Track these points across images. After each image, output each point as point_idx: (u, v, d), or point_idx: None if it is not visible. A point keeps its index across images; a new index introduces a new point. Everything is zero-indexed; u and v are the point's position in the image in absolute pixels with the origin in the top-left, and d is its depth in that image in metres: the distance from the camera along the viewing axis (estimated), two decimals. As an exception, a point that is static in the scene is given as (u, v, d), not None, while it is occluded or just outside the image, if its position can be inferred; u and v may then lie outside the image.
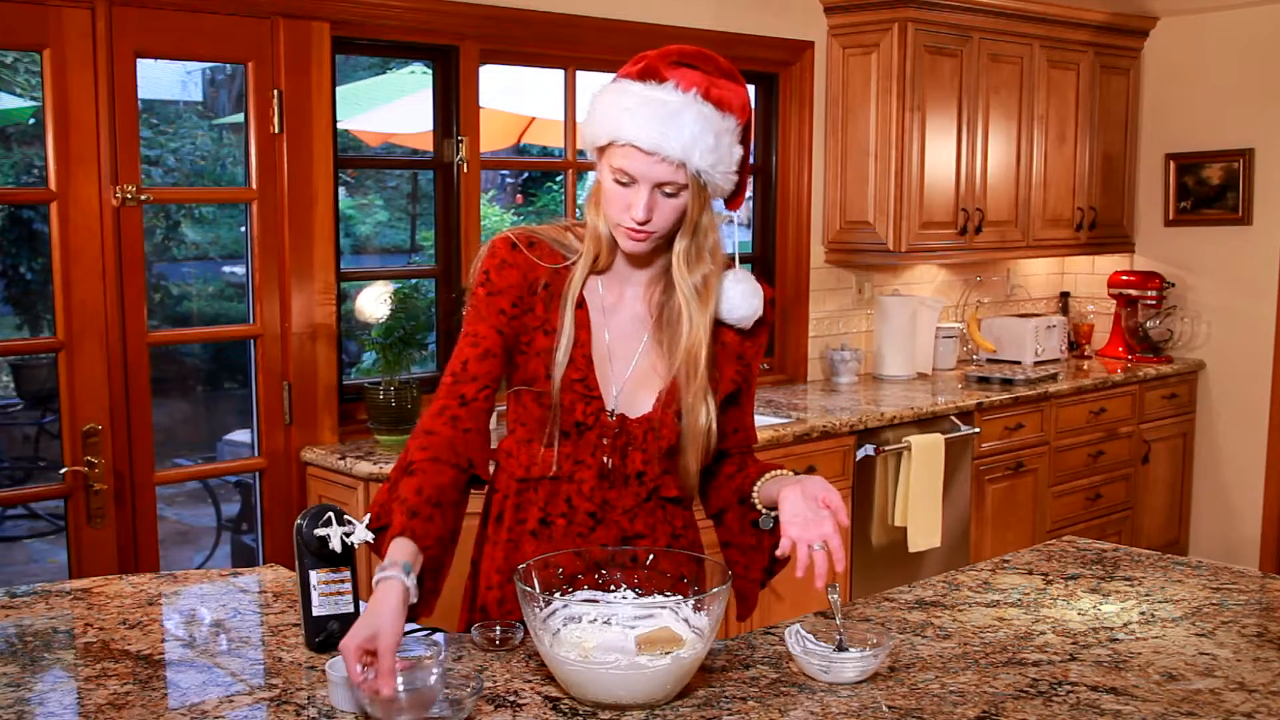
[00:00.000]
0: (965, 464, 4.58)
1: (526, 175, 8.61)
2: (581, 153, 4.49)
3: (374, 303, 3.67)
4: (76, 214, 3.15)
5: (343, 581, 1.87)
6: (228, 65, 5.73)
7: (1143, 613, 2.08)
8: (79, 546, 3.23)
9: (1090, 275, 5.97)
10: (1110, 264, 5.83)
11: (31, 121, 5.81)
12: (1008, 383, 4.90)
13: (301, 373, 3.57)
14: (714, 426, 1.90)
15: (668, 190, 1.77)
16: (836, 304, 5.06)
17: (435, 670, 1.62)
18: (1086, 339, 5.82)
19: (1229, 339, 5.58)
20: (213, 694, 1.71)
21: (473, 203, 3.97)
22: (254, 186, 3.48)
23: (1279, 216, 5.41)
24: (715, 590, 1.68)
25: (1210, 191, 5.58)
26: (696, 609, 1.72)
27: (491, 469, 1.97)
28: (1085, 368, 5.48)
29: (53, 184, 3.13)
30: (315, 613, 1.85)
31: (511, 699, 1.68)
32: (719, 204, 1.87)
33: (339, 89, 3.66)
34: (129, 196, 3.22)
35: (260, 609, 2.11)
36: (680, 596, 1.78)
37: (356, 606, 1.86)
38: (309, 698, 1.69)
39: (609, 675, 1.61)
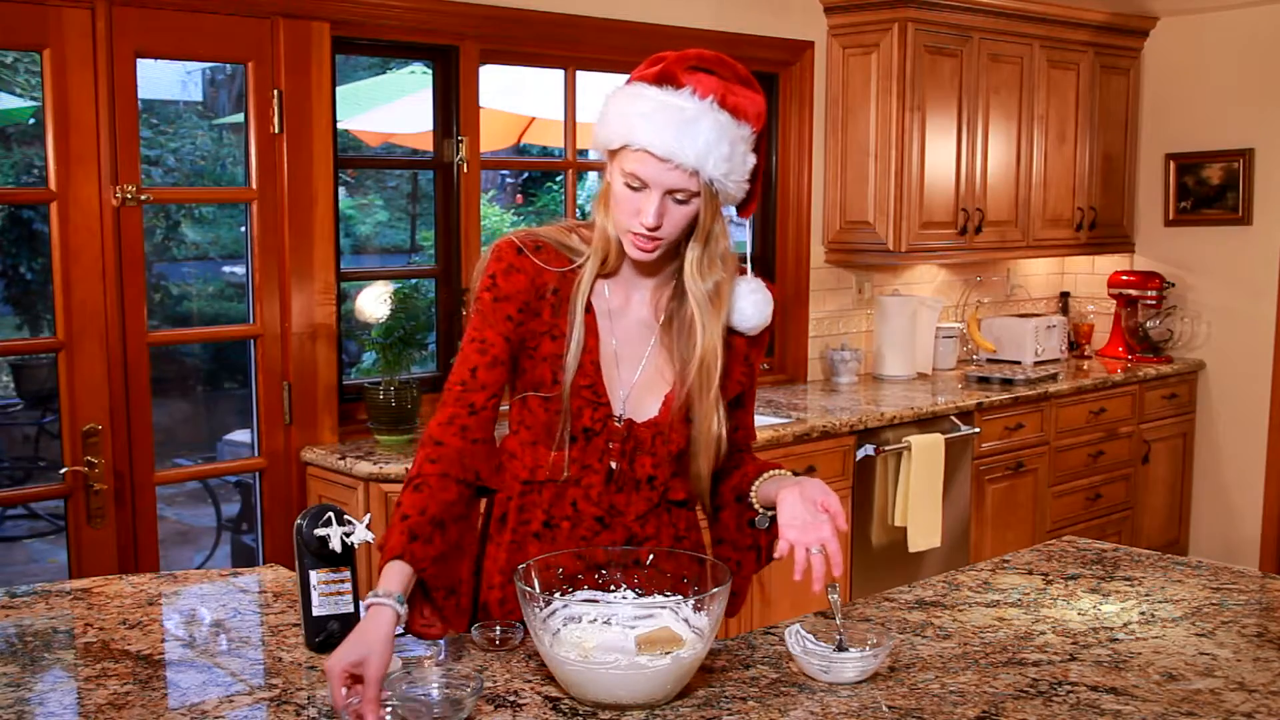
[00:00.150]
0: (965, 464, 4.58)
1: (526, 175, 8.61)
2: (582, 152, 4.50)
3: (374, 303, 3.67)
4: (76, 214, 3.15)
5: (343, 581, 1.87)
6: (228, 65, 5.73)
7: (1143, 613, 2.08)
8: (79, 546, 3.23)
9: (1090, 275, 5.97)
10: (1110, 264, 5.83)
11: (31, 121, 5.81)
12: (1008, 383, 4.90)
13: (301, 373, 3.57)
14: (724, 433, 1.89)
15: (679, 197, 1.76)
16: (836, 304, 5.06)
17: (426, 688, 1.62)
18: (1086, 339, 5.82)
19: (1229, 339, 5.58)
20: (213, 694, 1.71)
21: (473, 203, 3.97)
22: (254, 186, 3.48)
23: (1279, 216, 5.41)
24: (715, 590, 1.68)
25: (1210, 191, 5.58)
26: (696, 609, 1.72)
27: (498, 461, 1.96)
28: (1085, 368, 5.48)
29: (53, 184, 3.13)
30: (315, 613, 1.85)
31: (511, 699, 1.68)
32: (729, 210, 1.86)
33: (339, 89, 3.66)
34: (129, 196, 3.22)
35: (260, 609, 2.11)
36: (680, 596, 1.78)
37: (356, 606, 1.86)
38: (309, 698, 1.69)
39: (609, 675, 1.61)
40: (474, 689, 1.60)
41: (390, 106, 6.22)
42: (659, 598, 1.79)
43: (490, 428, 1.87)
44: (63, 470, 3.21)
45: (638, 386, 1.90)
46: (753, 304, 1.90)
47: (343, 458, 3.42)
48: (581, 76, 4.27)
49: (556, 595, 1.75)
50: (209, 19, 3.33)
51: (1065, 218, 5.42)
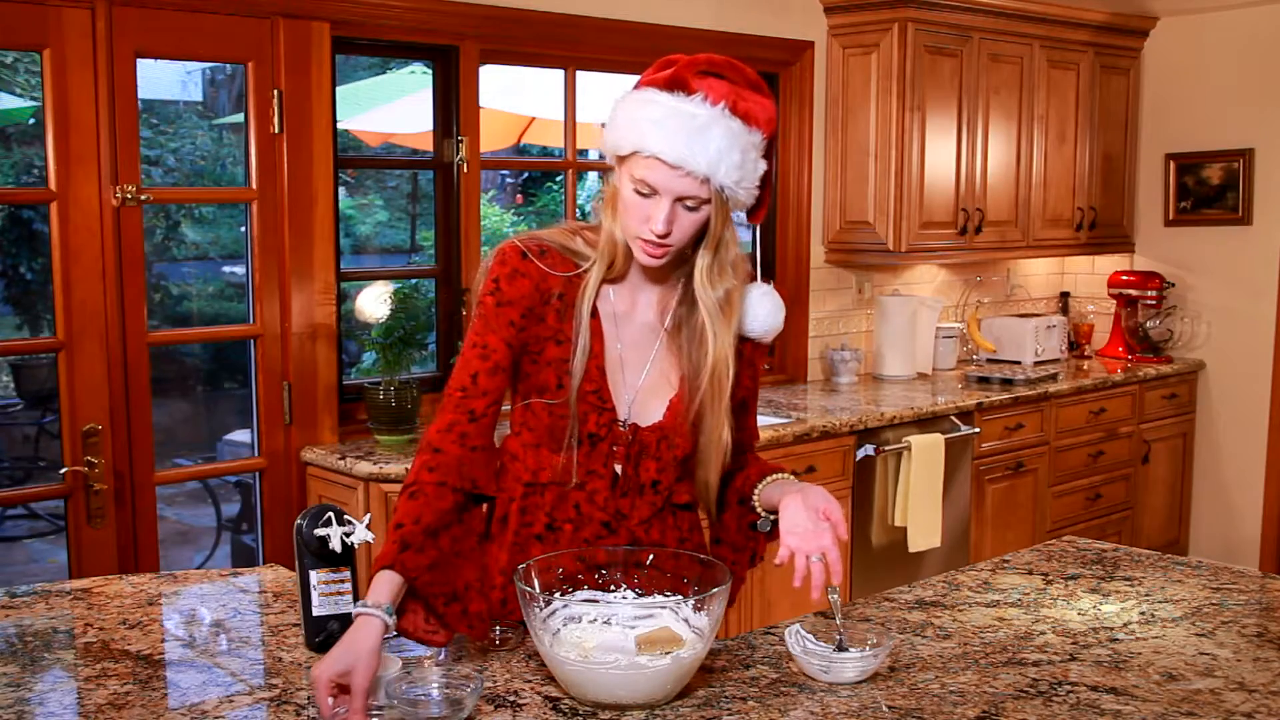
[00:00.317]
0: (965, 464, 4.58)
1: (526, 175, 8.62)
2: (582, 153, 4.50)
3: (374, 303, 3.67)
4: (76, 214, 3.15)
5: (343, 581, 1.87)
6: (228, 65, 5.73)
7: (1143, 613, 2.08)
8: (79, 546, 3.23)
9: (1090, 275, 5.97)
10: (1110, 264, 5.83)
11: (31, 121, 5.81)
12: (1008, 383, 4.90)
13: (301, 373, 3.57)
14: (730, 439, 1.89)
15: (689, 204, 1.75)
16: (836, 304, 5.06)
17: (426, 688, 1.62)
18: (1086, 339, 5.82)
19: (1229, 339, 5.58)
20: (213, 694, 1.71)
21: (473, 203, 3.97)
22: (254, 186, 3.48)
23: (1279, 216, 5.41)
24: (715, 590, 1.68)
25: (1210, 191, 5.58)
26: (696, 609, 1.72)
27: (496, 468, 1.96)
28: (1085, 368, 5.48)
29: (53, 184, 3.13)
30: (315, 613, 1.85)
31: (511, 699, 1.68)
32: (738, 215, 1.85)
33: (339, 89, 3.66)
34: (129, 196, 3.22)
35: (260, 609, 2.11)
36: (680, 596, 1.78)
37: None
38: (309, 698, 1.69)
39: (609, 675, 1.61)
40: (474, 689, 1.60)
41: (390, 106, 6.22)
42: (659, 598, 1.79)
43: (490, 434, 1.86)
44: (63, 470, 3.21)
45: (643, 391, 1.89)
46: (765, 310, 1.90)
47: (343, 458, 3.42)
48: (581, 76, 4.27)
49: (556, 595, 1.75)
50: (209, 19, 3.33)
51: (1065, 218, 5.42)
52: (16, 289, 6.60)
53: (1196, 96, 5.59)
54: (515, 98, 5.66)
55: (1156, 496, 5.57)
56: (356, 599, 1.86)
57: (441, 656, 1.83)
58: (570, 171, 4.36)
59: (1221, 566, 2.35)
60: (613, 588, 1.81)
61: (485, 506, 1.97)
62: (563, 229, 1.92)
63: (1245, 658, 1.87)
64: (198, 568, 4.46)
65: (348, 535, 1.86)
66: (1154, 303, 5.64)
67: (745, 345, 1.92)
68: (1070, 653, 1.88)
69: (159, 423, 3.41)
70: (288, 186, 3.49)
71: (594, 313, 1.86)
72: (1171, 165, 5.68)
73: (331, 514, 1.87)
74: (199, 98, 7.38)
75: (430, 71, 3.97)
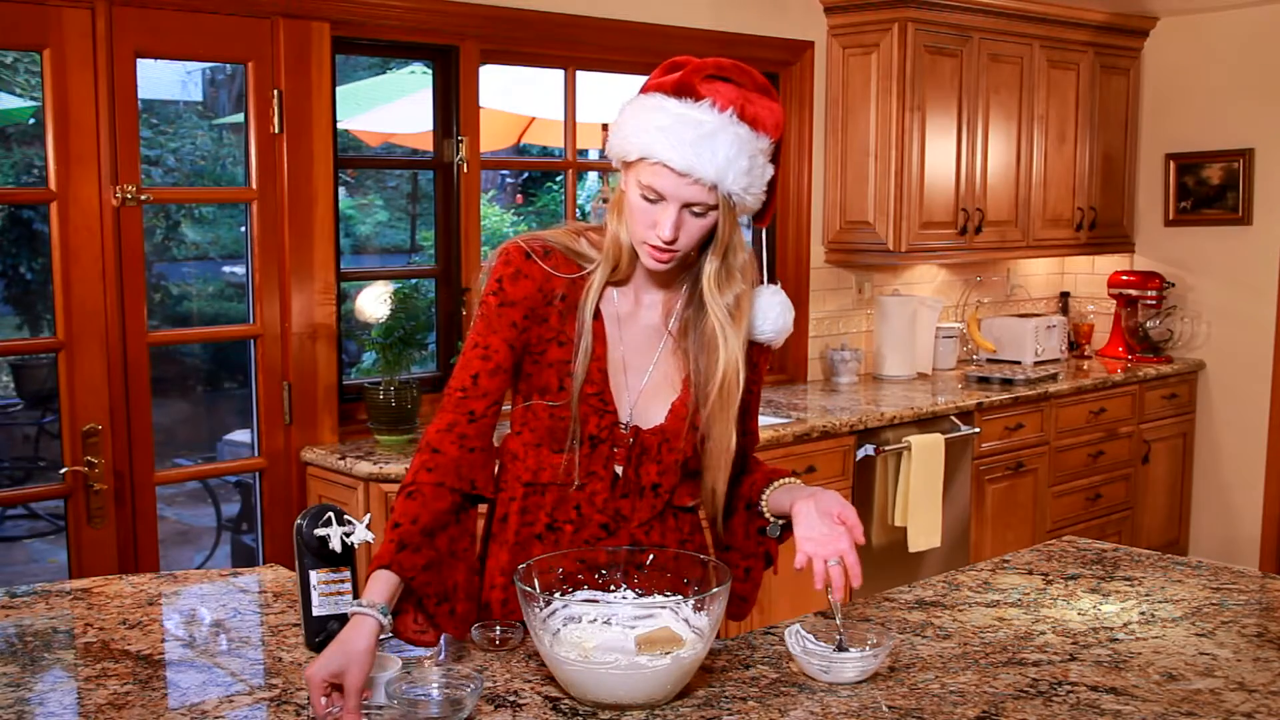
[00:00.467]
0: (965, 464, 4.58)
1: (526, 175, 8.62)
2: (582, 152, 4.50)
3: (374, 303, 3.67)
4: (76, 214, 3.15)
5: (343, 581, 1.87)
6: (228, 65, 5.73)
7: (1143, 613, 2.08)
8: (79, 546, 3.23)
9: (1090, 275, 5.97)
10: (1110, 264, 5.83)
11: (31, 121, 5.81)
12: (1008, 383, 4.90)
13: (301, 373, 3.57)
14: (736, 446, 1.89)
15: (696, 210, 1.74)
16: (836, 304, 5.06)
17: (426, 688, 1.62)
18: (1086, 339, 5.82)
19: (1229, 339, 5.58)
20: (213, 694, 1.71)
21: (473, 203, 3.97)
22: (254, 186, 3.48)
23: (1279, 216, 5.41)
24: (715, 590, 1.68)
25: (1210, 191, 5.58)
26: (696, 609, 1.72)
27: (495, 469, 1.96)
28: (1085, 368, 5.48)
29: (53, 184, 3.13)
30: (315, 613, 1.85)
31: (511, 699, 1.68)
32: (743, 218, 1.84)
33: (339, 89, 3.66)
34: (129, 196, 3.22)
35: (260, 609, 2.11)
36: (680, 596, 1.78)
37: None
38: (309, 698, 1.68)
39: (609, 675, 1.61)
40: (474, 689, 1.60)
41: (390, 106, 6.21)
42: (659, 598, 1.79)
43: (489, 435, 1.86)
44: (63, 470, 3.21)
45: (645, 393, 1.88)
46: (775, 313, 1.89)
47: (343, 458, 3.42)
48: (581, 76, 4.27)
49: (556, 595, 1.75)
50: (209, 19, 3.33)
51: (1065, 218, 5.42)
52: (16, 289, 6.61)
53: (1196, 96, 5.59)
54: (515, 98, 5.66)
55: (1156, 496, 5.57)
56: (356, 599, 1.86)
57: (441, 656, 1.83)
58: (570, 171, 4.36)
59: (1221, 566, 2.35)
60: (613, 588, 1.81)
61: (484, 507, 1.97)
62: (567, 230, 1.91)
63: (1245, 658, 1.87)
64: (198, 568, 4.46)
65: (348, 535, 1.86)
66: (1154, 303, 5.64)
67: (752, 349, 1.91)
68: (1070, 653, 1.88)
69: (159, 423, 3.41)
70: (288, 186, 3.49)
71: (597, 314, 1.85)
72: (1171, 165, 5.68)
73: (331, 514, 1.87)
74: (199, 98, 7.38)
75: (430, 71, 3.97)
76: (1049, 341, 5.45)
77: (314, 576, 1.85)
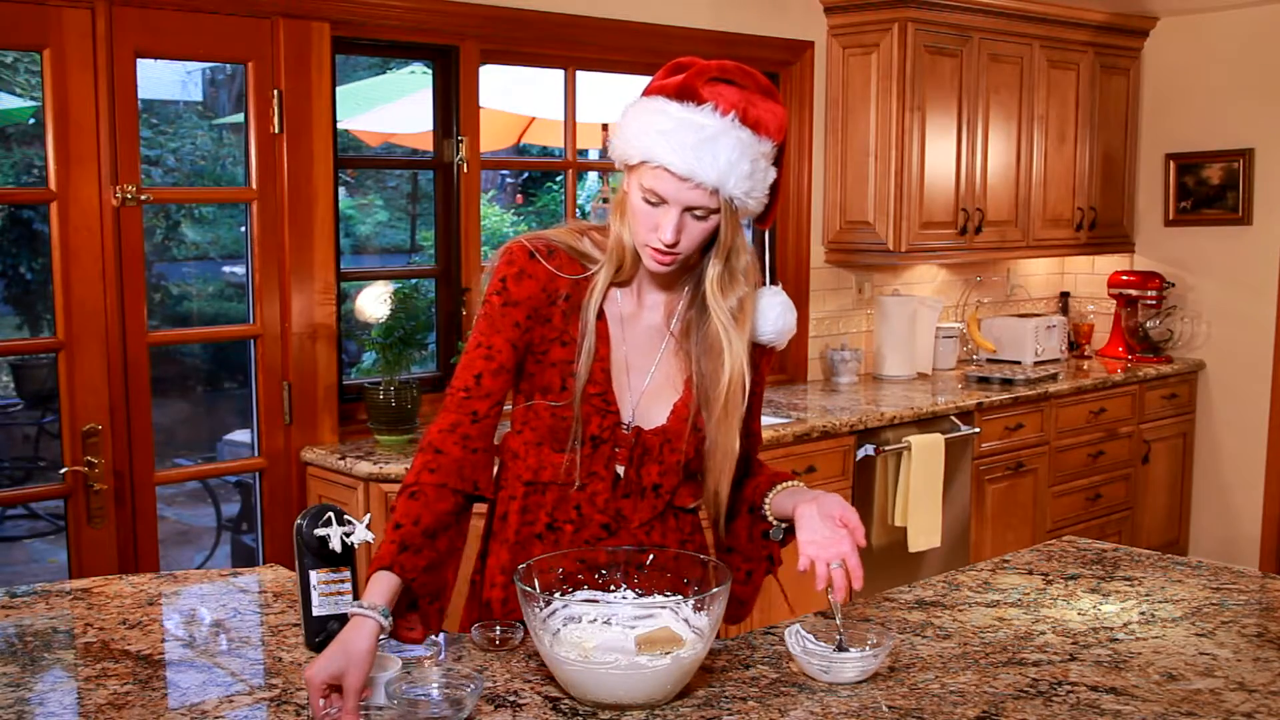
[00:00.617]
0: (965, 464, 4.58)
1: (526, 175, 8.62)
2: (582, 153, 4.50)
3: (374, 303, 3.67)
4: (76, 214, 3.15)
5: (343, 581, 1.87)
6: (228, 65, 5.73)
7: (1143, 613, 2.08)
8: (79, 546, 3.23)
9: (1090, 275, 5.97)
10: (1110, 264, 5.83)
11: (31, 121, 5.81)
12: (1008, 383, 4.90)
13: (301, 373, 3.57)
14: (739, 449, 1.88)
15: (698, 214, 1.74)
16: (836, 304, 5.06)
17: (426, 688, 1.62)
18: (1086, 339, 5.82)
19: (1229, 339, 5.58)
20: (213, 694, 1.71)
21: (473, 203, 3.97)
22: (254, 186, 3.48)
23: (1279, 217, 5.41)
24: (715, 590, 1.68)
25: (1210, 191, 5.58)
26: (696, 609, 1.72)
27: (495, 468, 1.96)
28: (1085, 368, 5.48)
29: (53, 184, 3.13)
30: (315, 613, 1.85)
31: (511, 699, 1.68)
32: (744, 220, 1.84)
33: (339, 89, 3.66)
34: (129, 196, 3.22)
35: (260, 609, 2.11)
36: (680, 596, 1.78)
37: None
38: (308, 698, 1.68)
39: (609, 675, 1.61)
40: (474, 689, 1.60)
41: (390, 106, 6.22)
42: (659, 598, 1.79)
43: (491, 436, 1.86)
44: (63, 470, 3.21)
45: (647, 394, 1.88)
46: (775, 314, 1.90)
47: (343, 458, 3.42)
48: (581, 76, 4.26)
49: (556, 595, 1.75)
50: (209, 19, 3.33)
51: (1065, 218, 5.42)
52: (16, 289, 6.61)
53: (1196, 96, 5.59)
54: (515, 98, 5.66)
55: (1156, 496, 5.57)
56: (356, 599, 1.86)
57: (441, 656, 1.83)
58: (570, 171, 4.36)
59: (1221, 566, 2.35)
60: (613, 588, 1.81)
61: (486, 507, 1.97)
62: (570, 229, 1.91)
63: (1245, 658, 1.87)
64: (198, 568, 4.46)
65: (348, 535, 1.85)
66: (1154, 303, 5.64)
67: (754, 350, 1.91)
68: (1070, 653, 1.88)
69: (159, 423, 3.41)
70: (288, 186, 3.49)
71: (600, 315, 1.85)
72: (1171, 165, 5.68)
73: (331, 514, 1.86)
74: (199, 98, 7.38)
75: (430, 71, 3.97)
76: (1049, 341, 5.45)
77: (314, 576, 1.85)
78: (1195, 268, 5.67)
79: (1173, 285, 5.65)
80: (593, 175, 5.85)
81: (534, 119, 6.14)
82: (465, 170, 3.92)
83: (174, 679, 1.77)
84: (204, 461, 6.08)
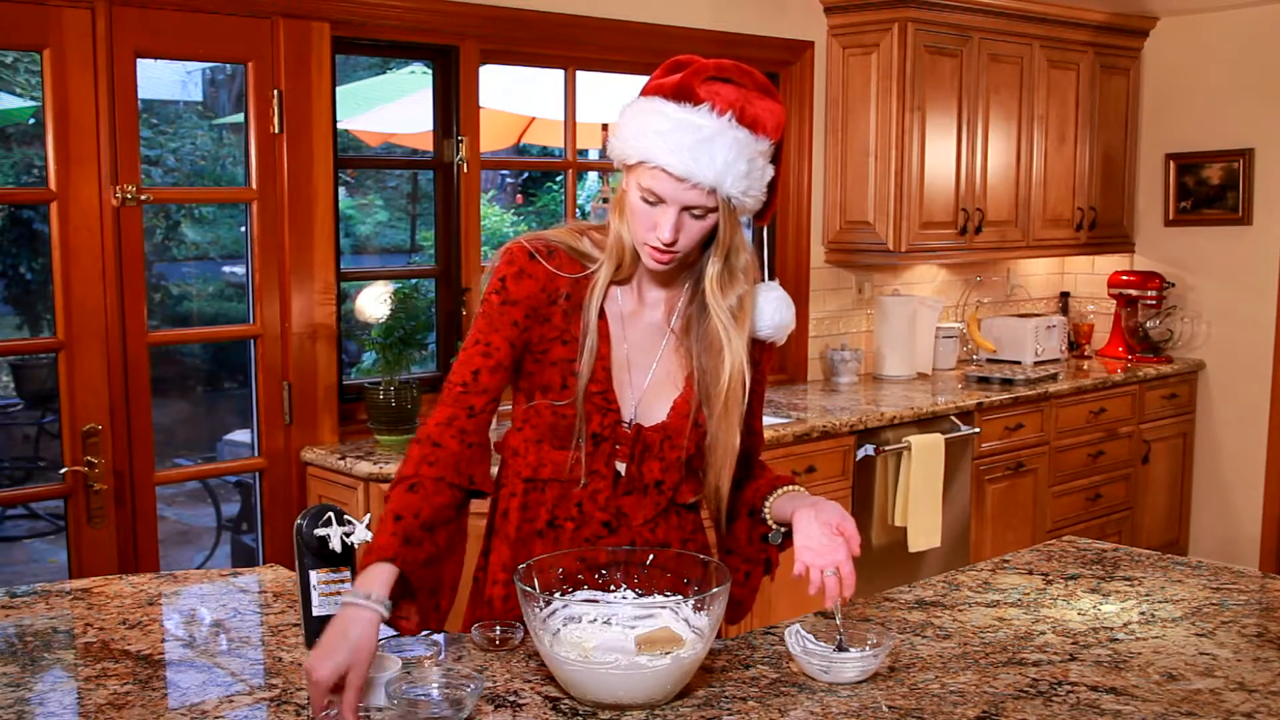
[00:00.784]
0: (965, 464, 4.58)
1: (526, 175, 8.62)
2: (582, 152, 4.50)
3: (374, 303, 3.68)
4: (76, 214, 3.15)
5: (343, 581, 1.87)
6: (228, 65, 5.73)
7: (1143, 613, 2.08)
8: (79, 546, 3.23)
9: (1090, 275, 5.97)
10: (1110, 264, 5.83)
11: (31, 121, 5.81)
12: (1008, 383, 4.90)
13: (301, 373, 3.57)
14: (739, 445, 1.89)
15: (696, 213, 1.75)
16: (836, 304, 5.06)
17: (426, 688, 1.62)
18: (1086, 339, 5.82)
19: (1229, 339, 5.58)
20: (213, 694, 1.71)
21: (473, 203, 3.97)
22: (254, 186, 3.48)
23: (1279, 217, 5.41)
24: (715, 590, 1.68)
25: (1210, 191, 5.58)
26: (696, 609, 1.72)
27: (495, 470, 1.96)
28: (1085, 368, 5.48)
29: (53, 184, 3.13)
30: (315, 613, 1.85)
31: (511, 699, 1.68)
32: (743, 217, 1.85)
33: (339, 89, 3.66)
34: (129, 196, 3.22)
35: (260, 609, 2.11)
36: (680, 596, 1.78)
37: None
38: (309, 698, 1.68)
39: (609, 675, 1.61)
40: (474, 689, 1.60)
41: (390, 106, 6.22)
42: (659, 598, 1.79)
43: (486, 431, 1.86)
44: (63, 470, 3.21)
45: (648, 391, 1.89)
46: (771, 308, 1.90)
47: (343, 458, 3.42)
48: (581, 76, 4.27)
49: (556, 595, 1.75)
50: (209, 19, 3.33)
51: (1065, 218, 5.42)
52: (16, 289, 6.61)
53: (1196, 96, 5.59)
54: (515, 98, 5.66)
55: (1156, 496, 5.57)
56: (354, 590, 1.86)
57: (441, 656, 1.83)
58: (570, 171, 4.36)
59: (1221, 566, 2.35)
60: (613, 588, 1.81)
61: (488, 505, 1.98)
62: (570, 229, 1.92)
63: (1245, 658, 1.87)
64: (198, 568, 4.46)
65: (348, 535, 1.85)
66: (1154, 303, 5.64)
67: (754, 347, 1.92)
68: (1070, 653, 1.88)
69: (159, 423, 3.41)
70: (288, 186, 3.49)
71: (601, 313, 1.86)
72: (1171, 165, 5.68)
73: (331, 514, 1.87)
74: (199, 98, 7.39)
75: (430, 71, 3.97)
76: (1049, 341, 5.45)
77: (314, 576, 1.85)
78: (1195, 268, 5.67)
79: (1173, 285, 5.65)
80: (593, 175, 5.85)
81: (534, 119, 6.14)
82: (465, 170, 3.92)
83: (174, 679, 1.77)
84: (204, 461, 6.08)
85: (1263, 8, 5.34)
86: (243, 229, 3.57)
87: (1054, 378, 5.06)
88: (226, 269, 7.16)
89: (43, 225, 4.42)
